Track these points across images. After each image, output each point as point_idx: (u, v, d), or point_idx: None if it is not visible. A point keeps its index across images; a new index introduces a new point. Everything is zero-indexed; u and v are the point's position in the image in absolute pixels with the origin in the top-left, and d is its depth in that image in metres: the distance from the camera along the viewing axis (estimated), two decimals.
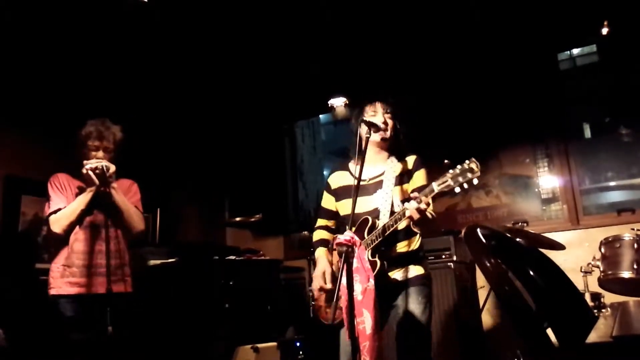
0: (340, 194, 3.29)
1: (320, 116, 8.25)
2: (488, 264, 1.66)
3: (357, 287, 2.77)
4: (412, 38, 5.66)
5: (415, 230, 3.03)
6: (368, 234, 2.99)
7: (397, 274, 3.06)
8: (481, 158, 2.58)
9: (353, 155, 3.18)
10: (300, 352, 4.79)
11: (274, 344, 4.60)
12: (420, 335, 3.01)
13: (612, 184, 11.75)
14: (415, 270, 3.09)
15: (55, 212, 3.52)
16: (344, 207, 3.26)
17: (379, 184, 3.12)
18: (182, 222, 6.30)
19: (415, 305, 3.00)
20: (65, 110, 5.07)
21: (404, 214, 2.79)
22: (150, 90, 5.81)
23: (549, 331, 1.69)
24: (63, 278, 3.48)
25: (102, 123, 3.63)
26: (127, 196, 3.69)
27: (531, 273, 1.87)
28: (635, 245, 3.64)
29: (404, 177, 3.12)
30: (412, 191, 2.93)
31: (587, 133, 12.80)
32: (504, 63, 5.68)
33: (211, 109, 6.63)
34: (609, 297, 3.95)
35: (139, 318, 3.59)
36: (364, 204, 3.10)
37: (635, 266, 3.60)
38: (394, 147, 3.21)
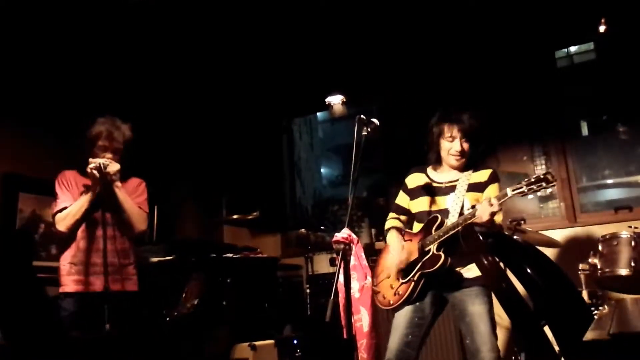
0: (414, 192, 3.40)
1: (318, 114, 8.28)
2: (486, 262, 1.66)
3: (355, 285, 2.78)
4: (410, 36, 5.66)
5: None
6: (435, 231, 3.10)
7: (462, 270, 3.12)
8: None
9: (431, 161, 3.37)
10: (298, 350, 4.79)
11: (272, 341, 4.61)
12: (492, 334, 3.05)
13: (609, 181, 11.78)
14: (477, 271, 3.09)
15: (60, 210, 3.52)
16: (416, 205, 3.37)
17: (453, 187, 3.24)
18: (180, 220, 6.29)
19: (480, 306, 3.07)
20: (64, 108, 5.06)
21: (473, 214, 2.86)
22: (149, 88, 5.81)
23: (547, 328, 1.69)
24: (69, 276, 3.49)
25: (113, 123, 3.61)
26: (133, 195, 3.68)
27: (529, 271, 1.87)
28: (633, 243, 3.64)
29: (477, 187, 3.22)
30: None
31: (585, 131, 12.82)
32: (501, 61, 5.67)
33: (209, 107, 6.63)
34: (607, 295, 3.95)
35: (136, 316, 3.58)
36: (437, 204, 3.25)
37: (632, 264, 3.59)
38: (472, 161, 3.31)
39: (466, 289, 3.09)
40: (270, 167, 6.88)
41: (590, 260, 3.93)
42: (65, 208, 3.51)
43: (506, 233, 4.22)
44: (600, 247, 3.88)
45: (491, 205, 2.79)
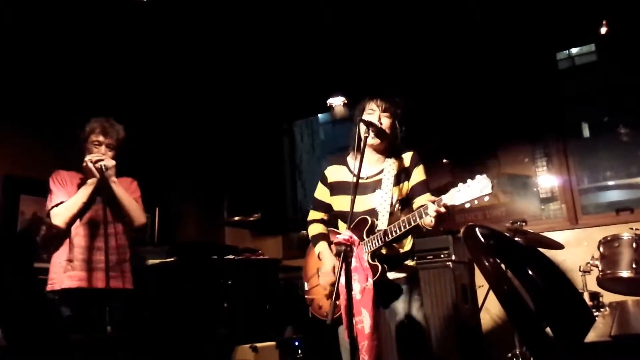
0: (335, 188, 3.25)
1: (319, 115, 8.28)
2: (487, 264, 1.66)
3: (356, 287, 2.77)
4: (412, 37, 5.66)
5: (428, 228, 2.96)
6: (367, 236, 2.98)
7: (393, 274, 3.06)
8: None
9: (352, 149, 3.15)
10: (299, 351, 4.79)
11: (273, 343, 4.60)
12: (422, 333, 3.01)
13: (610, 183, 11.79)
14: (408, 269, 3.11)
15: (57, 205, 3.54)
16: (338, 203, 3.24)
17: (378, 183, 3.09)
18: (181, 222, 6.29)
19: (413, 304, 3.03)
20: (65, 110, 5.06)
21: (420, 216, 2.75)
22: (150, 89, 5.81)
23: (548, 330, 1.69)
24: (65, 273, 3.50)
25: (107, 120, 3.66)
26: (127, 192, 3.70)
27: (530, 272, 1.87)
28: (634, 245, 3.64)
29: (401, 176, 3.10)
30: (413, 187, 3.05)
31: (586, 132, 12.84)
32: (502, 62, 5.68)
33: (210, 108, 6.63)
34: (608, 297, 3.95)
35: (138, 317, 3.59)
36: (361, 203, 3.07)
37: (633, 265, 3.60)
38: (392, 146, 3.16)
39: (401, 289, 3.05)
40: (271, 169, 6.88)
41: (591, 262, 3.93)
42: (61, 203, 3.53)
43: (507, 234, 4.22)
44: (601, 249, 3.88)
45: (440, 206, 2.65)
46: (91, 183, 3.51)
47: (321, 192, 3.36)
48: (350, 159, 3.22)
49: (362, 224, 3.01)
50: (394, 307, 3.04)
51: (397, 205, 3.06)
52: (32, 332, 4.03)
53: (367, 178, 3.13)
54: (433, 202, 2.69)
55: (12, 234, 4.64)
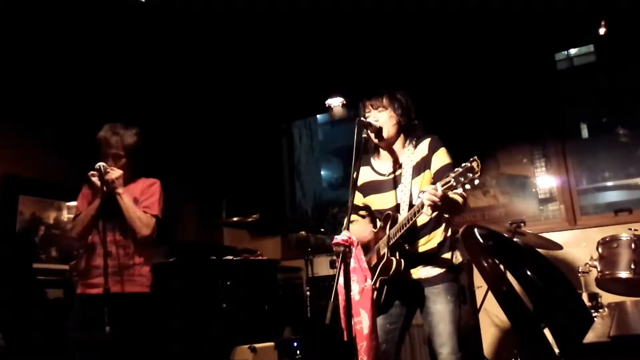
0: (365, 189, 3.21)
1: (318, 116, 8.30)
2: (485, 264, 1.66)
3: (355, 287, 2.76)
4: (411, 38, 5.67)
5: (446, 216, 2.90)
6: (389, 230, 2.95)
7: (420, 272, 3.01)
8: (478, 157, 2.52)
9: (371, 150, 3.18)
10: (298, 352, 4.79)
11: (272, 344, 4.60)
12: (454, 335, 2.98)
13: (609, 184, 11.80)
14: (440, 267, 3.02)
15: (74, 218, 3.62)
16: (372, 202, 3.20)
17: (399, 177, 3.07)
18: (180, 222, 6.29)
19: (441, 305, 2.97)
20: (64, 111, 5.06)
21: (421, 207, 2.68)
22: (149, 90, 5.81)
23: (547, 331, 1.69)
24: (83, 279, 3.54)
25: (111, 128, 3.60)
26: (143, 197, 3.64)
27: (529, 273, 1.87)
28: (633, 245, 3.65)
29: (422, 165, 3.03)
30: (435, 174, 2.95)
31: (585, 133, 12.85)
32: (501, 63, 5.68)
33: (209, 109, 6.63)
34: (607, 297, 3.95)
35: (137, 317, 3.58)
36: (387, 200, 3.08)
37: (632, 266, 3.60)
38: (406, 135, 3.14)
39: (428, 288, 2.99)
40: (270, 170, 6.89)
41: (590, 262, 3.94)
42: (77, 216, 3.60)
43: (506, 235, 4.23)
44: (600, 250, 3.88)
45: (434, 193, 2.56)
46: (98, 195, 3.48)
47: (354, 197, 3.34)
48: (373, 159, 3.23)
49: (386, 219, 3.00)
50: (425, 309, 3.00)
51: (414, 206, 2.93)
52: (31, 332, 4.03)
53: (388, 175, 3.13)
54: (426, 191, 2.62)
55: (10, 234, 4.64)
